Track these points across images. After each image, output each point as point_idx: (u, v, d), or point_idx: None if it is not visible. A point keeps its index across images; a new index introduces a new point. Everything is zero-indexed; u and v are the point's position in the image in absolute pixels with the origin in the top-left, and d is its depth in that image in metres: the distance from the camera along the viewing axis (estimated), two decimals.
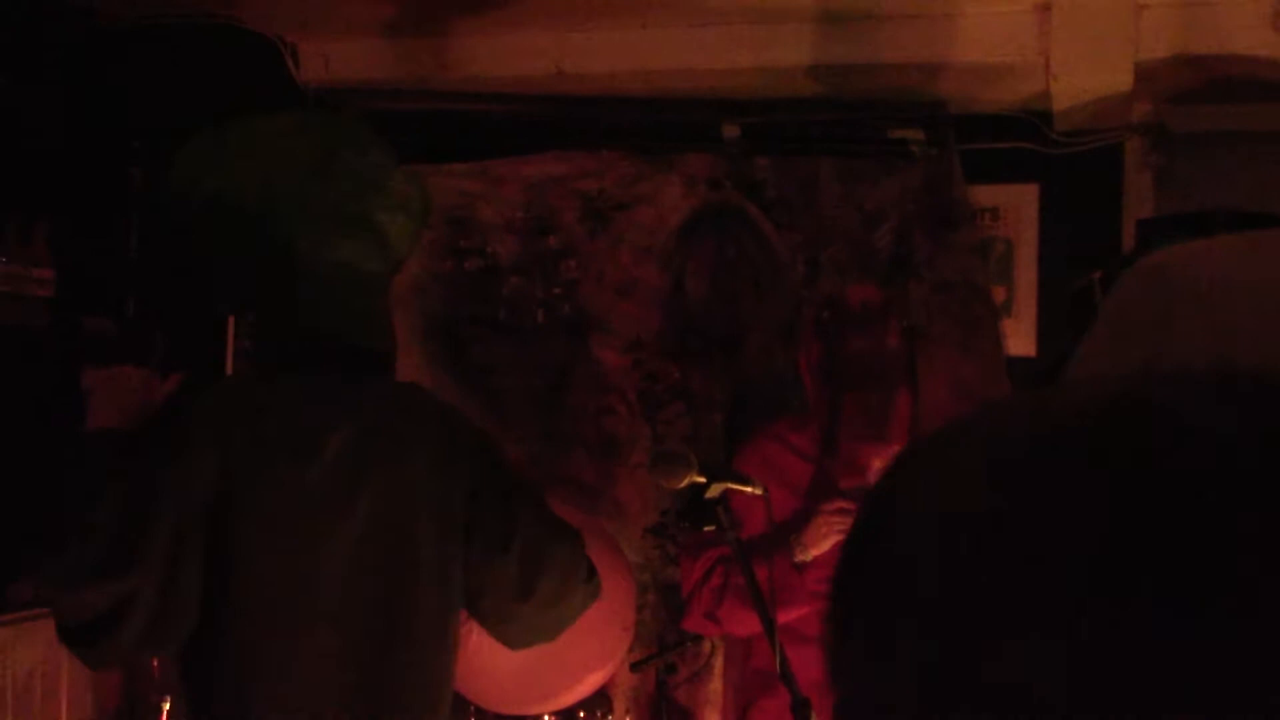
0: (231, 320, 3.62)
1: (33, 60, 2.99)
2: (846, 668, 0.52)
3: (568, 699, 2.96)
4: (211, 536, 1.77)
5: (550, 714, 2.97)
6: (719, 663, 3.61)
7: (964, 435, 0.52)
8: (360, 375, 1.99)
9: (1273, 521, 0.41)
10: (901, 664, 0.47)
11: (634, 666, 3.16)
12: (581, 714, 3.02)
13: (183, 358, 3.35)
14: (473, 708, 3.01)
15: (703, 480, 2.02)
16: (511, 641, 2.15)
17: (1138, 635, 0.40)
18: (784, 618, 2.19)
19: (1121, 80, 3.27)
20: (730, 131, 3.67)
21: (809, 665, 2.11)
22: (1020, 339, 3.62)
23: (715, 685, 3.61)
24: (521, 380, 3.71)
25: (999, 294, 3.66)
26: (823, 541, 2.48)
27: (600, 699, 3.08)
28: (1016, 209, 3.66)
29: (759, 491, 2.07)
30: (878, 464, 2.49)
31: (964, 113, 3.59)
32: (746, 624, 2.44)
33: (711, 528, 2.04)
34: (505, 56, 3.58)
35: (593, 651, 2.90)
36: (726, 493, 2.06)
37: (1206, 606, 0.40)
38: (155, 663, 3.06)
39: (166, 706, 2.96)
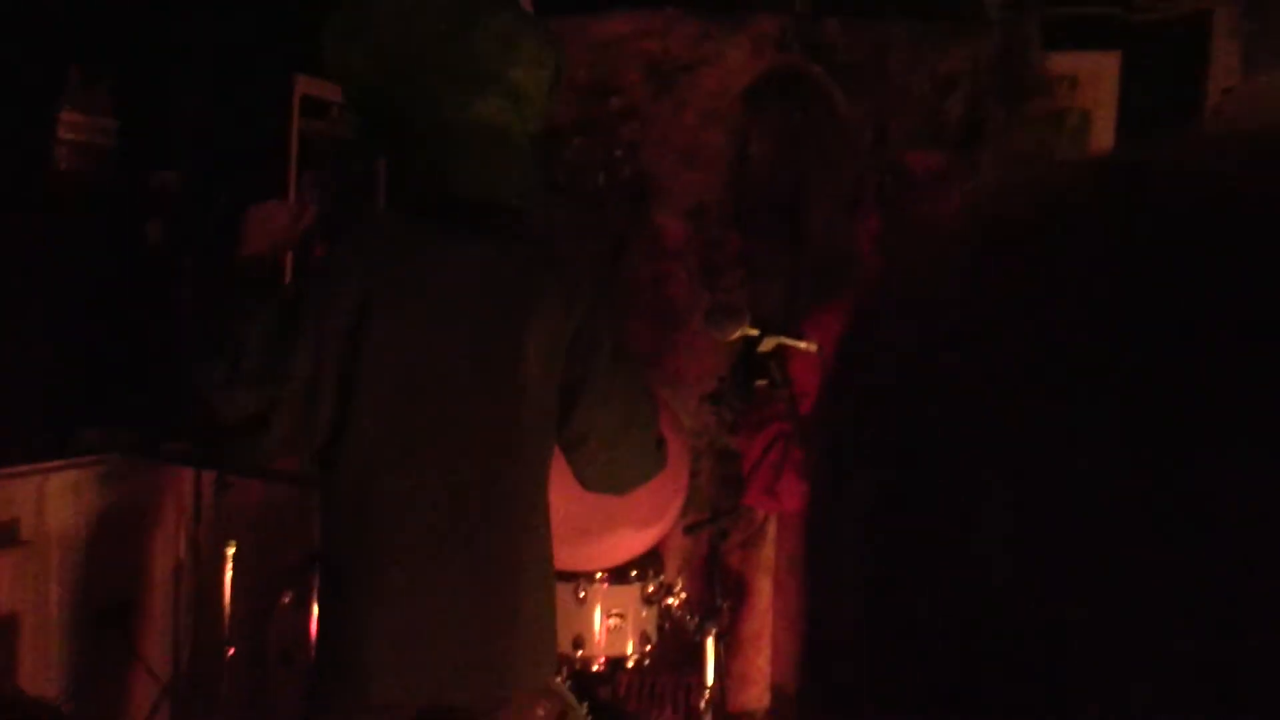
0: (293, 179, 3.62)
1: None
2: (812, 492, 0.50)
3: (619, 555, 3.00)
4: (349, 357, 1.96)
5: (602, 570, 3.01)
6: (772, 530, 3.64)
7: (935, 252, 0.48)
8: (495, 228, 2.11)
9: None
10: (853, 487, 0.44)
11: (688, 530, 3.19)
12: (634, 573, 3.05)
13: (242, 216, 3.38)
14: None
15: (755, 333, 2.00)
16: (589, 482, 2.28)
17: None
18: None
19: None
20: None
21: None
22: None
23: (768, 552, 3.64)
24: (582, 245, 3.69)
25: None
26: None
27: (652, 558, 3.11)
28: (1096, 78, 3.53)
29: (813, 348, 2.05)
30: None
31: None
32: (803, 499, 2.46)
33: (764, 382, 2.03)
34: None
35: (645, 507, 2.92)
36: (780, 348, 2.04)
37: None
38: (219, 509, 3.14)
39: (231, 551, 3.03)
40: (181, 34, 3.20)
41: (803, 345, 2.05)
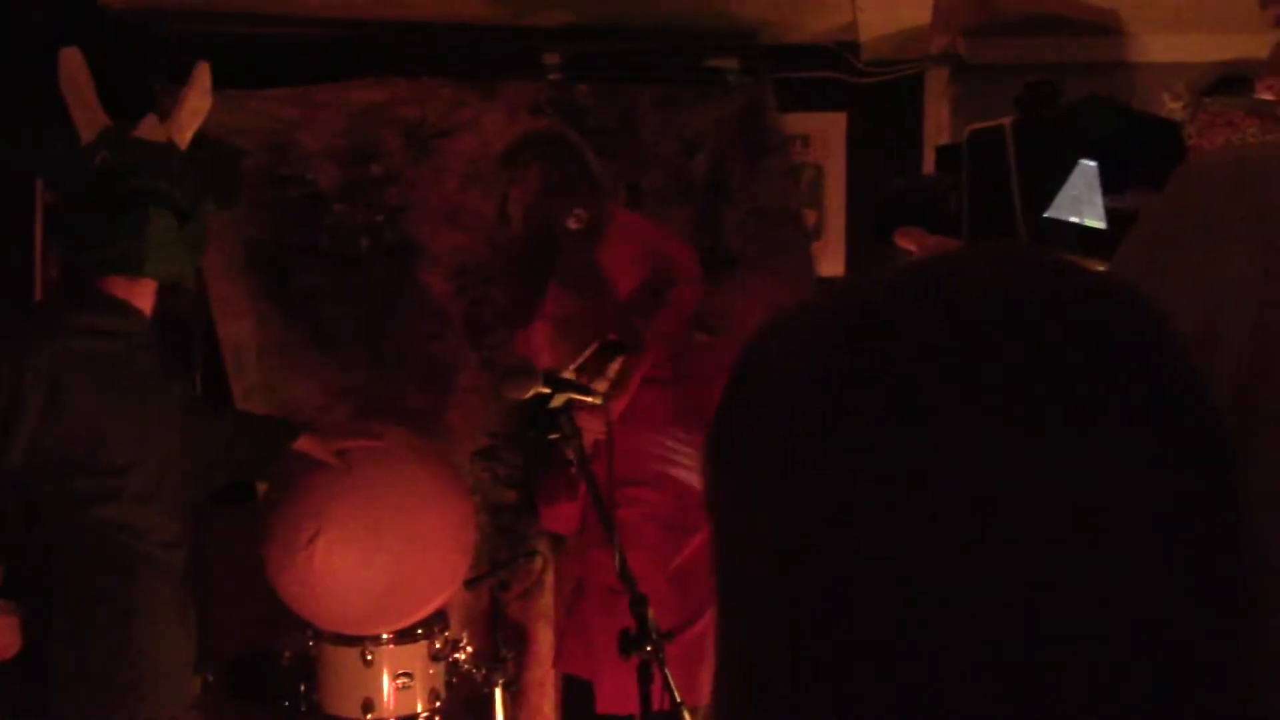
0: (39, 250, 3.50)
1: None
2: (716, 502, 0.63)
3: (407, 619, 3.03)
4: None
5: (389, 633, 3.03)
6: (550, 578, 3.73)
7: (804, 306, 0.64)
8: None
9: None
10: (755, 493, 0.59)
11: (468, 584, 3.24)
12: (419, 631, 3.07)
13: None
14: (311, 629, 3.04)
15: (547, 391, 2.11)
16: None
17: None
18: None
19: (920, 13, 3.46)
20: (550, 59, 3.72)
21: (641, 567, 2.24)
22: (830, 261, 3.82)
23: (547, 600, 3.73)
24: (347, 308, 3.71)
25: (810, 218, 3.84)
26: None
27: (437, 617, 3.15)
28: (826, 136, 3.83)
29: (598, 401, 2.18)
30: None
31: (776, 43, 3.74)
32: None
33: (556, 435, 2.14)
34: None
35: (437, 574, 2.98)
36: (569, 402, 2.16)
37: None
38: None
39: None
40: None
41: (590, 399, 2.17)
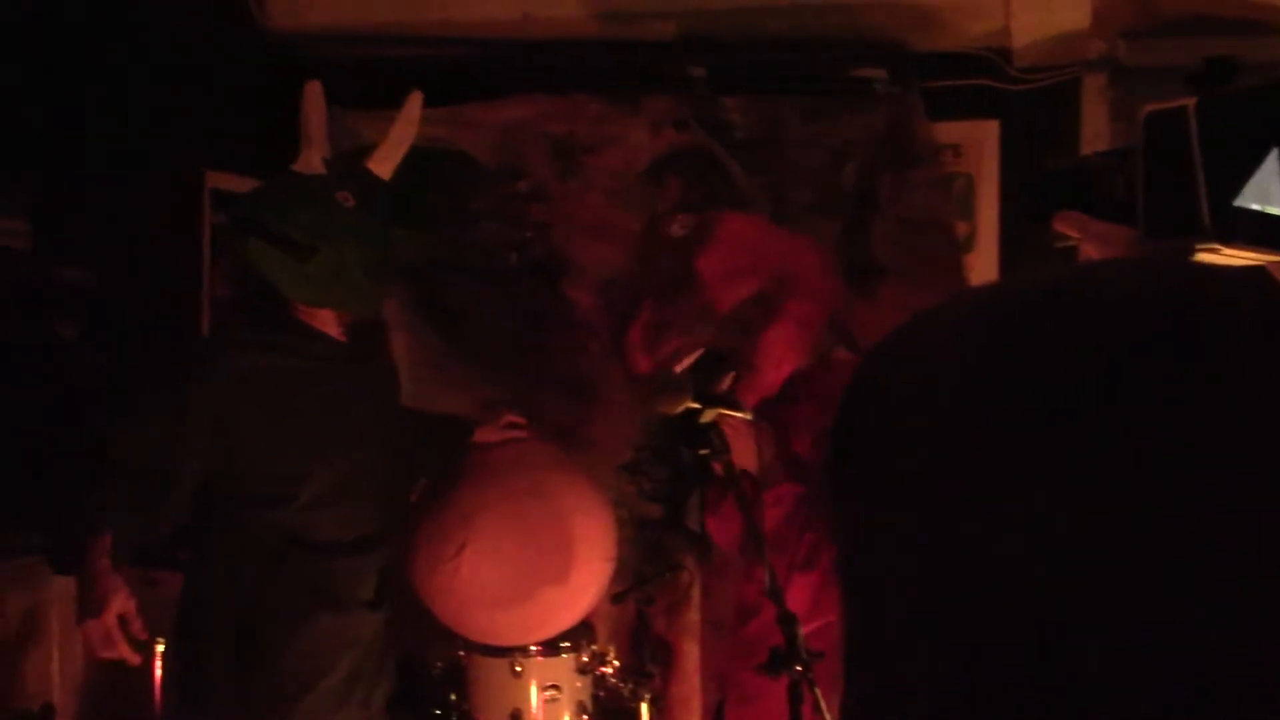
0: (206, 269, 3.63)
1: None
2: (843, 526, 0.61)
3: (554, 629, 3.04)
4: None
5: (535, 644, 3.05)
6: (696, 594, 3.71)
7: (935, 316, 0.61)
8: None
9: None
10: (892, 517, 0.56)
11: (614, 598, 3.24)
12: (566, 644, 3.09)
13: (156, 308, 3.38)
14: (461, 640, 3.08)
15: (697, 406, 2.11)
16: None
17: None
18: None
19: (1078, 17, 3.35)
20: (695, 72, 3.72)
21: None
22: (982, 273, 3.72)
23: (693, 615, 3.71)
24: (496, 323, 3.76)
25: (961, 229, 3.75)
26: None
27: (584, 629, 3.16)
28: (978, 145, 3.74)
29: (749, 416, 2.16)
30: None
31: (925, 50, 3.66)
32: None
33: (705, 451, 2.13)
34: (473, 1, 3.60)
35: (583, 585, 2.98)
36: (719, 418, 2.14)
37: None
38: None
39: (160, 649, 2.99)
40: (92, 132, 3.21)
41: (739, 415, 2.16)
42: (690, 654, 3.71)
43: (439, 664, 3.19)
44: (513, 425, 3.06)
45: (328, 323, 2.65)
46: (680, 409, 2.12)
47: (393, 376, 3.02)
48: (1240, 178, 0.95)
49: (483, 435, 3.02)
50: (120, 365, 3.24)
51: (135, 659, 2.34)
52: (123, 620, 2.35)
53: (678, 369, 2.54)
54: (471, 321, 3.78)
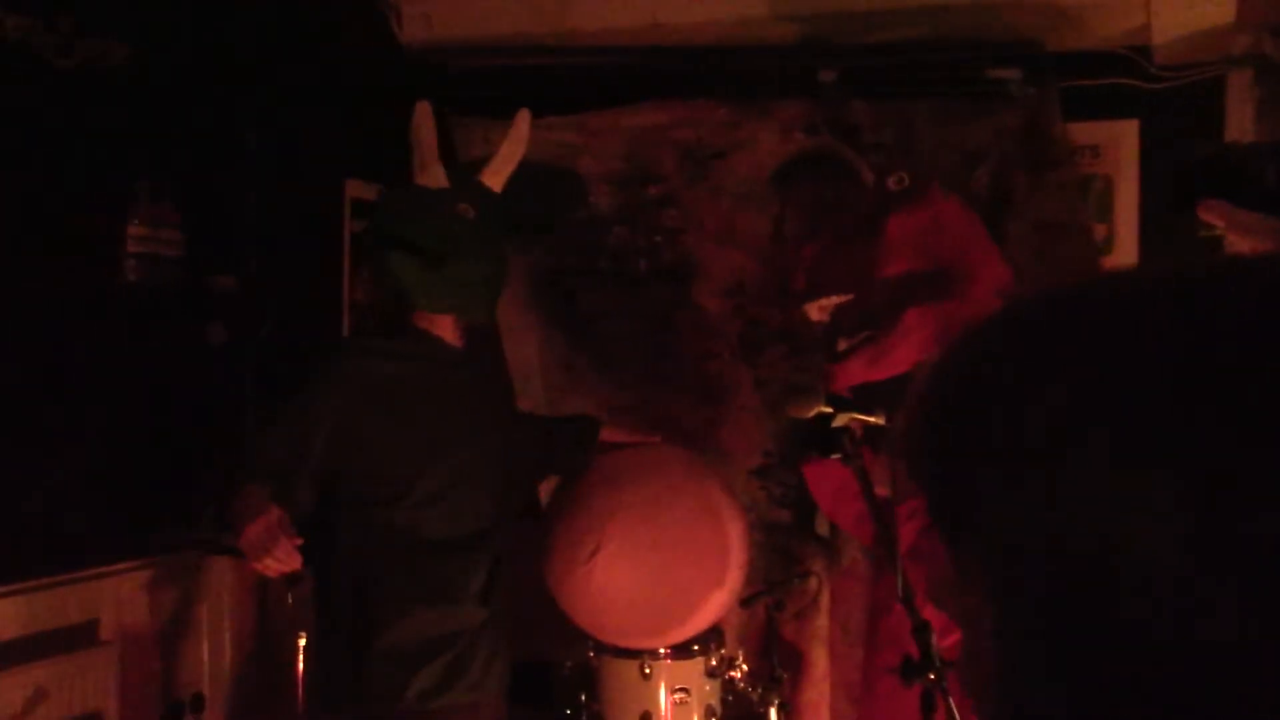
0: (346, 277, 3.74)
1: (145, 24, 3.10)
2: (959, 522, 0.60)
3: (684, 633, 3.06)
4: None
5: (666, 647, 3.07)
6: (825, 600, 3.69)
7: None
8: None
9: None
10: None
11: (743, 603, 3.25)
12: (695, 647, 3.10)
13: (300, 313, 3.49)
14: (592, 641, 3.12)
15: (830, 410, 2.10)
16: None
17: None
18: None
19: (1223, 12, 3.25)
20: (826, 76, 3.70)
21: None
22: None
23: (822, 621, 3.70)
24: (627, 327, 3.80)
25: (1099, 232, 3.66)
26: None
27: (713, 632, 3.17)
28: (1116, 145, 3.65)
29: (881, 421, 2.14)
30: None
31: (1062, 50, 3.59)
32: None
33: (838, 455, 2.12)
34: (602, 9, 3.64)
35: (713, 589, 3.00)
36: (851, 422, 2.14)
37: None
38: (290, 600, 3.20)
39: (302, 643, 3.09)
40: (239, 144, 3.33)
41: (872, 419, 2.15)
42: (819, 660, 3.69)
43: (569, 664, 3.23)
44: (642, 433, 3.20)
45: (446, 329, 2.79)
46: (813, 413, 2.12)
47: (504, 382, 3.17)
48: None
49: (610, 434, 3.16)
50: (264, 369, 3.36)
51: (296, 560, 2.36)
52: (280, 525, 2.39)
53: (819, 303, 2.53)
54: (602, 326, 3.82)
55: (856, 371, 2.62)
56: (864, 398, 2.28)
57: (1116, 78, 3.58)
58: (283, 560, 2.33)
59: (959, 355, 0.63)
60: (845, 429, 2.11)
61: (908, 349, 2.57)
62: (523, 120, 2.84)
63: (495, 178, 2.81)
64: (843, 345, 2.68)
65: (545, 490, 3.38)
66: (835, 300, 2.79)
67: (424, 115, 2.77)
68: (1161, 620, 0.51)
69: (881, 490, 2.25)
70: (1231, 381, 0.50)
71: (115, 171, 3.03)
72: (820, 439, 2.17)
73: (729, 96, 3.76)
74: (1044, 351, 0.57)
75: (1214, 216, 1.36)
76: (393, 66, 3.74)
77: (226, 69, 3.27)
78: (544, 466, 3.19)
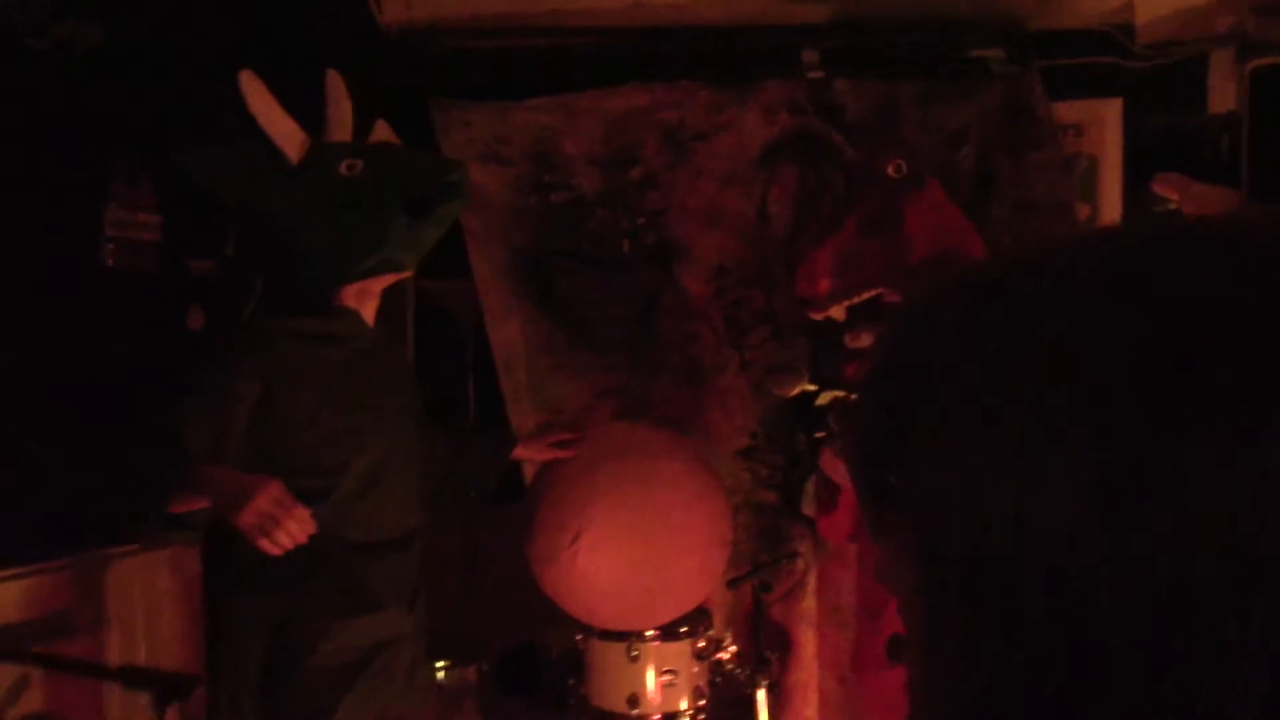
0: None
1: (119, 6, 3.06)
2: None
3: (670, 614, 3.05)
4: None
5: (653, 629, 3.06)
6: (812, 581, 3.69)
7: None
8: None
9: None
10: None
11: (730, 584, 3.24)
12: (683, 629, 3.09)
13: (279, 295, 3.46)
14: (578, 625, 3.11)
15: (814, 388, 2.09)
16: None
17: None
18: None
19: None
20: (809, 57, 3.69)
21: None
22: None
23: (809, 603, 3.69)
24: (609, 310, 3.78)
25: (1083, 211, 3.66)
26: None
27: (700, 614, 3.16)
28: (1100, 124, 3.65)
29: None
30: None
31: (1044, 29, 3.58)
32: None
33: (822, 434, 2.11)
34: None
35: (698, 570, 2.99)
36: (835, 401, 2.12)
37: None
38: None
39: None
40: (219, 124, 3.30)
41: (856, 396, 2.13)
42: (806, 641, 3.69)
43: (556, 648, 3.22)
44: (561, 444, 3.00)
45: (369, 306, 2.55)
46: (796, 391, 2.10)
47: (411, 373, 2.88)
48: None
49: (525, 450, 3.03)
50: None
51: (310, 529, 2.14)
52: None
53: (851, 302, 2.46)
54: (585, 309, 3.80)
55: None
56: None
57: (1100, 56, 3.57)
58: (297, 531, 2.12)
59: (883, 340, 0.63)
60: (830, 407, 2.10)
61: None
62: (335, 81, 2.66)
63: (345, 132, 2.61)
64: (865, 339, 2.57)
65: (529, 472, 3.35)
66: (864, 297, 2.69)
67: (251, 85, 2.54)
68: (1063, 605, 0.50)
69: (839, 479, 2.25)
70: (1143, 364, 0.49)
71: (92, 154, 2.99)
72: (804, 418, 2.16)
73: (711, 78, 3.74)
74: (963, 333, 0.56)
75: (1169, 189, 1.37)
76: (372, 47, 3.70)
77: (203, 50, 3.23)
78: (449, 482, 2.92)
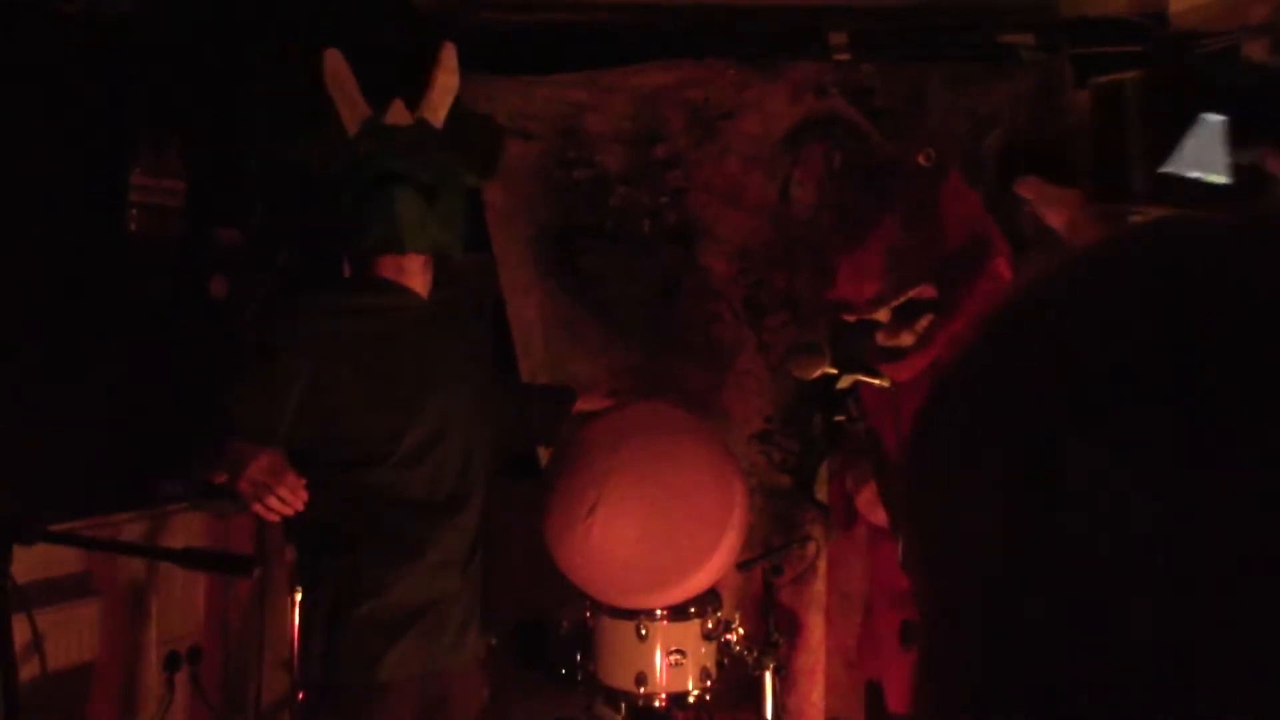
0: None
1: None
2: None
3: (681, 594, 3.05)
4: None
5: (662, 609, 3.06)
6: (823, 565, 3.69)
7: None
8: None
9: None
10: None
11: (741, 566, 3.24)
12: (693, 609, 3.10)
13: (304, 268, 3.47)
14: (589, 601, 3.12)
15: (834, 371, 2.08)
16: None
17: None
18: None
19: None
20: (837, 39, 3.66)
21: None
22: None
23: (819, 587, 3.69)
24: (630, 289, 3.77)
25: None
26: None
27: (710, 595, 3.17)
28: None
29: (886, 383, 2.12)
30: None
31: (1075, 15, 3.54)
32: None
33: (842, 418, 2.10)
34: None
35: (712, 550, 2.99)
36: (857, 384, 2.11)
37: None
38: (287, 556, 3.20)
39: (298, 598, 3.09)
40: (245, 93, 3.30)
41: (877, 381, 2.13)
42: (815, 625, 3.69)
43: (566, 624, 3.23)
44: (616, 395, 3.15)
45: (415, 276, 2.67)
46: (817, 373, 2.10)
47: (483, 335, 3.01)
48: (1171, 146, 1.04)
49: (586, 403, 3.12)
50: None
51: (302, 497, 2.28)
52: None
53: (901, 299, 2.39)
54: (606, 287, 3.80)
55: (923, 361, 2.47)
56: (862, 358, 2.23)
57: (1131, 45, 3.53)
58: (289, 498, 2.26)
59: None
60: (851, 390, 2.09)
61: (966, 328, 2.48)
62: (449, 54, 2.72)
63: (436, 113, 2.69)
64: (908, 338, 2.48)
65: (545, 452, 3.36)
66: (908, 296, 2.61)
67: (334, 62, 2.64)
68: (975, 611, 0.51)
69: (887, 433, 2.22)
70: (1067, 370, 0.49)
71: (119, 119, 3.00)
72: (824, 400, 2.15)
73: (739, 57, 3.72)
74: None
75: (1026, 191, 1.43)
76: (400, 20, 3.70)
77: (233, 19, 3.24)
78: (517, 432, 3.09)
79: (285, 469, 2.27)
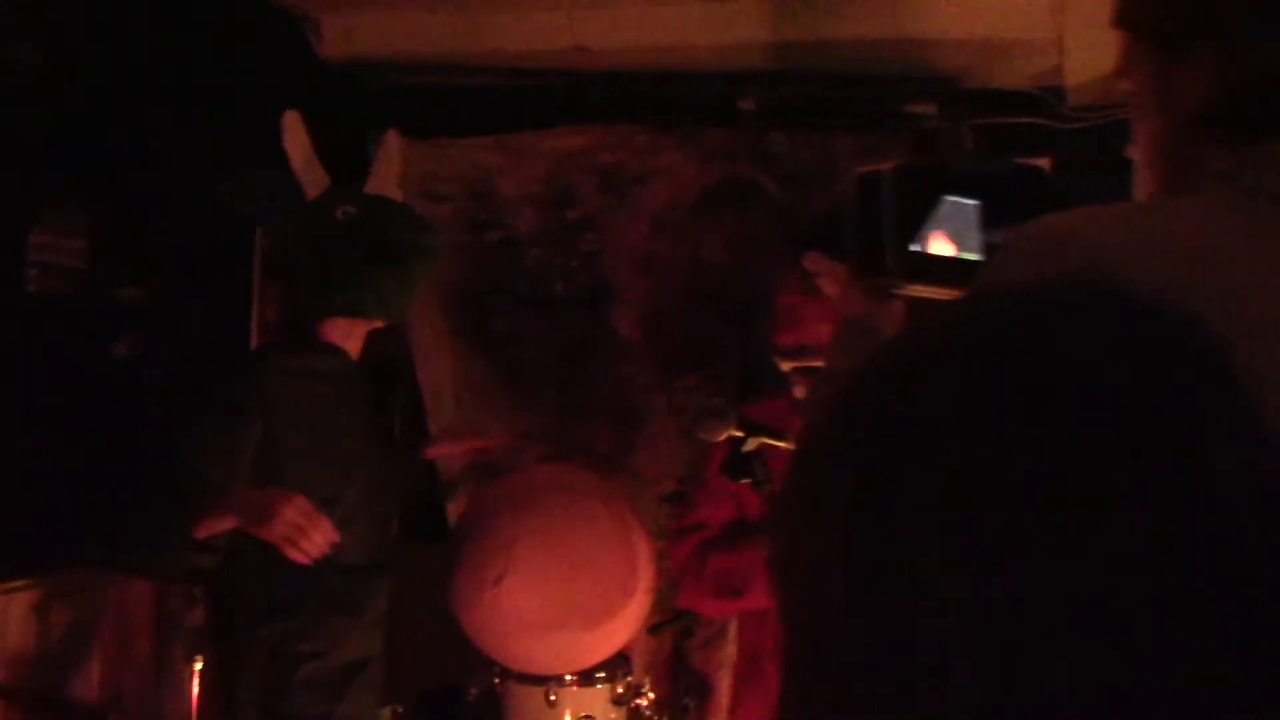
0: (256, 292, 3.67)
1: (59, 31, 3.03)
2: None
3: (589, 660, 3.03)
4: None
5: (571, 674, 3.03)
6: (733, 629, 3.68)
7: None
8: None
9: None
10: None
11: (651, 630, 3.22)
12: (602, 674, 3.07)
13: (210, 328, 3.42)
14: (498, 667, 3.07)
15: (740, 435, 2.09)
16: None
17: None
18: None
19: None
20: (745, 105, 3.72)
21: None
22: None
23: (730, 650, 3.68)
24: (542, 350, 3.77)
25: None
26: None
27: (619, 659, 3.14)
28: None
29: (793, 446, 2.14)
30: None
31: (977, 87, 3.65)
32: (717, 609, 2.61)
33: (747, 480, 2.11)
34: (526, 32, 3.62)
35: (621, 616, 2.97)
36: (762, 447, 2.13)
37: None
38: (186, 624, 3.12)
39: (198, 666, 3.01)
40: (149, 154, 3.26)
41: (783, 444, 2.14)
42: (726, 689, 3.67)
43: (474, 690, 3.18)
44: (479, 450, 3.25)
45: (356, 343, 2.74)
46: (722, 436, 2.11)
47: (380, 405, 3.13)
48: (917, 226, 1.17)
49: (434, 450, 3.21)
50: (170, 384, 3.28)
51: (334, 537, 2.29)
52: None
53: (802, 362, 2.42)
54: (518, 348, 3.79)
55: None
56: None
57: (1031, 116, 3.64)
58: (322, 541, 2.25)
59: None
60: (756, 454, 2.11)
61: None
62: (392, 140, 2.85)
63: (394, 189, 2.84)
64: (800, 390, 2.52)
65: (452, 512, 3.33)
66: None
67: (294, 125, 2.70)
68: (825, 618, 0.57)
69: None
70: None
71: (22, 177, 2.95)
72: (730, 464, 2.16)
73: (650, 122, 3.77)
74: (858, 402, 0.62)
75: (812, 264, 1.55)
76: (311, 81, 3.69)
77: (140, 76, 3.20)
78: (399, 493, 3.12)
79: (315, 509, 2.27)
